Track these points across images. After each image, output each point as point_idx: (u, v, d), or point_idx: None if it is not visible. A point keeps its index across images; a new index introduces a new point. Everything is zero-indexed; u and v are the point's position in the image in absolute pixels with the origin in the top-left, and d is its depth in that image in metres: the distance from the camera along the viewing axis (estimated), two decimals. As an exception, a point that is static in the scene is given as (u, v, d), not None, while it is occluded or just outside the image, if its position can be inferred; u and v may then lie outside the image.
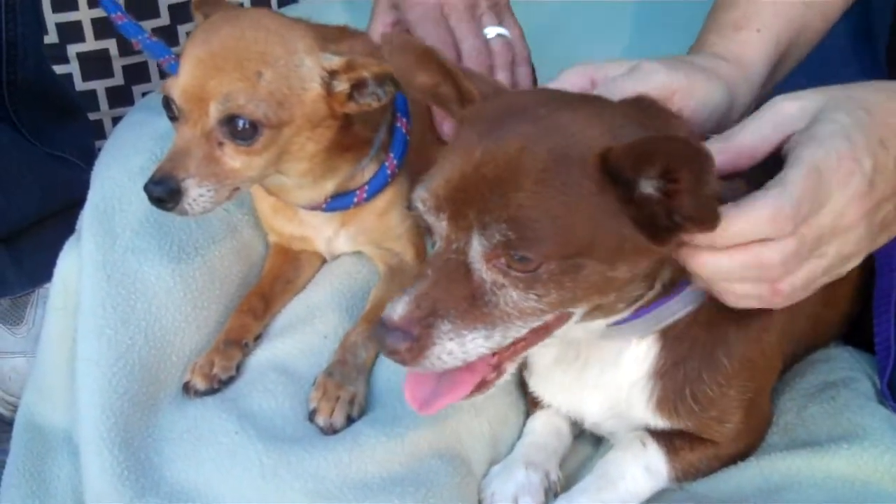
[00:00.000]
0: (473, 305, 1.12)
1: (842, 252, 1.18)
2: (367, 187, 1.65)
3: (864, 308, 1.55)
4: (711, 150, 1.09)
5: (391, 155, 1.65)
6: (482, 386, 1.21)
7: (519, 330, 1.15)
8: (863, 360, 1.57)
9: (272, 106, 1.44)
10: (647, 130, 1.15)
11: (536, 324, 1.15)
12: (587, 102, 1.22)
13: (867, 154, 1.16)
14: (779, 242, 1.13)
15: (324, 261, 1.80)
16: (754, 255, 1.13)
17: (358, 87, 1.49)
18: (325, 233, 1.73)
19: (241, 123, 1.42)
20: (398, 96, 1.64)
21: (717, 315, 1.28)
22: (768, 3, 1.50)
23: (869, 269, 1.48)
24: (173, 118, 1.47)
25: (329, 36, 1.56)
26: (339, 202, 1.65)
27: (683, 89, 1.31)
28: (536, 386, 1.48)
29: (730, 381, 1.31)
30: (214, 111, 1.42)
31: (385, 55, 1.28)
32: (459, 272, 1.12)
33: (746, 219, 1.12)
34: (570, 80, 1.36)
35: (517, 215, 1.07)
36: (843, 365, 1.54)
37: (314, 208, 1.66)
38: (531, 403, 1.52)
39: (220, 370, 1.55)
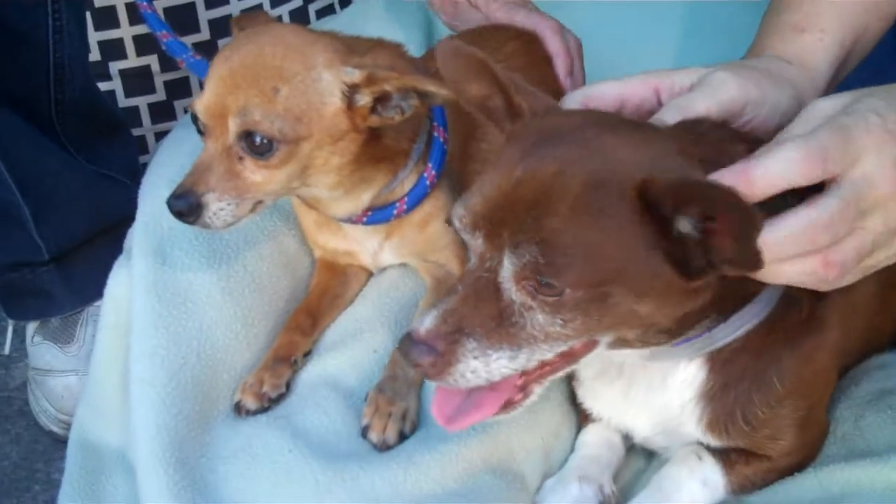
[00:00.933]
0: (500, 325, 1.11)
1: (889, 224, 1.14)
2: (406, 199, 1.65)
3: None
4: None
5: (430, 165, 1.65)
6: (508, 406, 1.20)
7: (544, 353, 1.14)
8: (918, 367, 1.54)
9: (289, 121, 1.45)
10: (692, 163, 1.12)
11: (562, 348, 1.15)
12: (635, 128, 1.19)
13: None
14: (817, 201, 1.09)
15: (370, 275, 1.81)
16: (797, 219, 1.09)
17: (381, 100, 1.49)
18: (369, 246, 1.73)
19: (258, 139, 1.44)
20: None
21: (767, 337, 1.26)
22: (830, 5, 1.46)
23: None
24: (201, 133, 1.50)
25: (358, 49, 1.56)
26: (379, 215, 1.65)
27: (755, 100, 1.28)
28: (584, 398, 1.47)
29: (781, 402, 1.29)
30: (232, 126, 1.45)
31: (438, 62, 1.26)
32: (489, 290, 1.12)
33: (774, 161, 1.08)
34: (634, 83, 1.32)
35: (549, 239, 1.06)
36: (899, 372, 1.52)
37: (354, 222, 1.66)
38: (582, 416, 1.52)
39: (269, 388, 1.56)
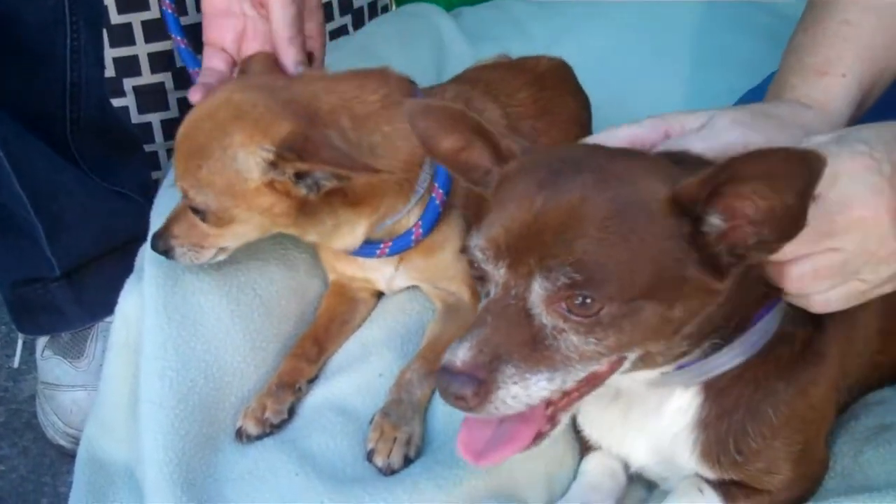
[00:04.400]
0: (535, 350, 1.12)
1: (868, 248, 1.16)
2: (420, 223, 1.67)
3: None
4: None
5: (436, 185, 1.67)
6: (538, 437, 1.21)
7: (578, 373, 1.15)
8: (919, 401, 1.55)
9: (215, 194, 1.54)
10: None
11: (595, 367, 1.16)
12: (634, 155, 1.24)
13: (886, 160, 1.16)
14: None
15: (378, 300, 1.83)
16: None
17: (302, 175, 1.51)
18: (385, 272, 1.76)
19: (192, 205, 1.56)
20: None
21: (763, 369, 1.28)
22: (851, 47, 1.47)
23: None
24: None
25: (317, 112, 1.57)
26: (399, 244, 1.68)
27: (755, 144, 1.27)
28: (584, 424, 1.48)
29: (775, 434, 1.30)
30: (180, 189, 1.58)
31: (408, 122, 1.28)
32: (519, 317, 1.13)
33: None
34: (647, 127, 1.35)
35: (582, 258, 1.08)
36: (898, 407, 1.53)
37: (378, 256, 1.69)
38: (584, 444, 1.53)
39: (271, 414, 1.58)
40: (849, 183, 1.15)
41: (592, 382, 1.19)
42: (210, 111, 1.56)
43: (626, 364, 1.19)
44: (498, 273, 1.14)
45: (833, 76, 1.46)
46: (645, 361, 1.20)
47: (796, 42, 1.54)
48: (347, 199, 1.60)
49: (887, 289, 1.22)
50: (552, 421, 1.21)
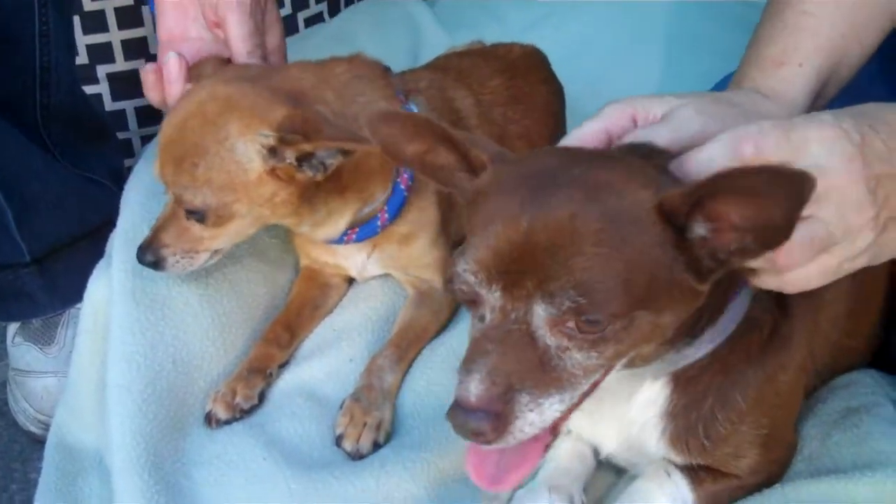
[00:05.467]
0: (544, 372, 1.10)
1: (844, 216, 1.16)
2: (386, 208, 1.67)
3: (888, 331, 1.55)
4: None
5: (401, 170, 1.67)
6: (545, 450, 1.19)
7: (583, 387, 1.14)
8: (884, 383, 1.56)
9: (213, 191, 1.50)
10: (661, 174, 1.16)
11: (597, 377, 1.15)
12: (607, 159, 1.21)
13: (854, 130, 1.16)
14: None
15: (349, 285, 1.83)
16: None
17: (305, 157, 1.49)
18: (357, 260, 1.76)
19: (188, 208, 1.53)
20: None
21: (732, 357, 1.28)
22: (809, 36, 1.48)
23: (893, 296, 1.47)
24: None
25: (304, 95, 1.55)
26: (366, 230, 1.68)
27: (716, 134, 1.26)
28: None
29: (742, 419, 1.30)
30: (170, 196, 1.55)
31: (368, 131, 1.22)
32: (524, 342, 1.10)
33: (705, 148, 1.14)
34: (613, 116, 1.34)
35: (583, 279, 1.06)
36: (865, 389, 1.53)
37: (346, 242, 1.69)
38: (554, 428, 1.53)
39: (242, 399, 1.58)
40: (819, 150, 1.14)
41: (590, 392, 1.18)
42: (195, 109, 1.52)
43: (618, 366, 1.19)
44: (493, 297, 1.11)
45: (790, 66, 1.47)
46: (629, 364, 1.20)
47: (757, 33, 1.55)
48: (338, 186, 1.59)
49: (861, 262, 1.22)
50: (554, 432, 1.19)
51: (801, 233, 1.14)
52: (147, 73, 1.68)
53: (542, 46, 2.16)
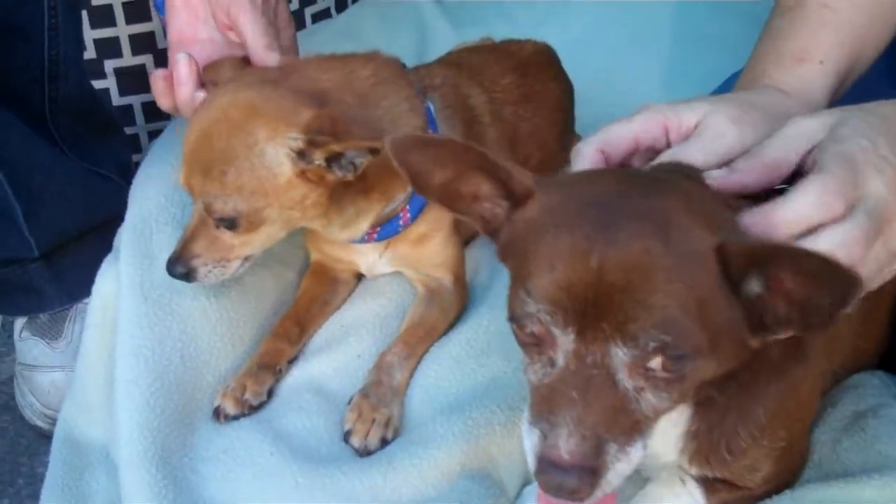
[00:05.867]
0: (627, 418, 1.05)
1: (888, 244, 1.13)
2: (409, 208, 1.67)
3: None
4: (740, 167, 1.09)
5: None
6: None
7: (654, 428, 1.10)
8: (891, 384, 1.55)
9: (244, 198, 1.49)
10: (724, 207, 1.13)
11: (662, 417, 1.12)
12: (664, 184, 1.15)
13: (890, 151, 1.14)
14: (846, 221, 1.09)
15: (358, 280, 1.83)
16: (832, 235, 1.09)
17: (334, 158, 1.47)
18: (369, 257, 1.76)
19: (218, 216, 1.51)
20: (429, 115, 1.66)
21: (752, 373, 1.23)
22: (830, 32, 1.45)
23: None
24: None
25: (327, 95, 1.54)
26: (387, 229, 1.68)
27: (752, 144, 1.24)
28: None
29: (763, 433, 1.27)
30: (198, 206, 1.53)
31: (394, 157, 1.13)
32: (606, 387, 1.04)
33: (796, 203, 1.08)
34: (646, 124, 1.29)
35: (664, 317, 1.01)
36: (873, 392, 1.52)
37: (367, 241, 1.68)
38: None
39: (251, 395, 1.57)
40: (877, 183, 1.11)
41: None
42: (219, 116, 1.50)
43: None
44: (567, 339, 1.05)
45: (810, 63, 1.43)
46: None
47: (773, 26, 1.50)
48: (364, 186, 1.58)
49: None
50: None
51: (879, 248, 1.13)
52: (157, 78, 1.67)
53: (550, 43, 2.15)
